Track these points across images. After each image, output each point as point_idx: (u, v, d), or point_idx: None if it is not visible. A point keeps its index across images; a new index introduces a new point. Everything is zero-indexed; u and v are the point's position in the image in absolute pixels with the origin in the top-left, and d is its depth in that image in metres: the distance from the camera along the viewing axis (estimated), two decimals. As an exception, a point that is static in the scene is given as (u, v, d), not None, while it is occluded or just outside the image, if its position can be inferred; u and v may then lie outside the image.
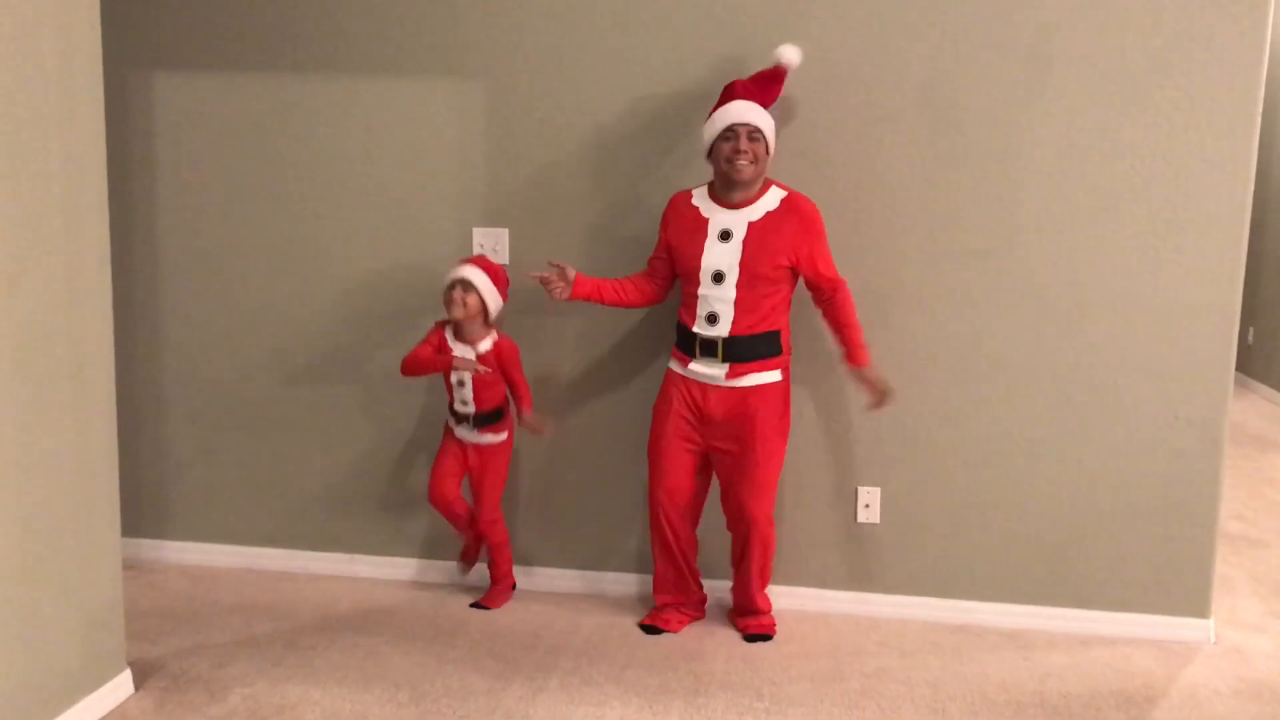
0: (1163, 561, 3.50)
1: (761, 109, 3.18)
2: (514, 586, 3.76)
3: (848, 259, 3.50)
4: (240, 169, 3.81)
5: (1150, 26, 3.28)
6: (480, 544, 3.70)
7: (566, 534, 3.82)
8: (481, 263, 3.43)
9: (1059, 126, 3.37)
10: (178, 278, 3.90)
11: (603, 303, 3.38)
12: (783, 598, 3.69)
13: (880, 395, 3.29)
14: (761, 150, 3.18)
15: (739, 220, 3.20)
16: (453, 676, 3.18)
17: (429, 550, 3.90)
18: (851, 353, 3.30)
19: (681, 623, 3.52)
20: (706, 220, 3.24)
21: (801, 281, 3.32)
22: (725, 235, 3.20)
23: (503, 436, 3.56)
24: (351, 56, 3.69)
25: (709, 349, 3.25)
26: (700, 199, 3.29)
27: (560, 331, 3.70)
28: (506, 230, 3.68)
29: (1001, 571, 3.58)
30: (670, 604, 3.53)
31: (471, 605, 3.65)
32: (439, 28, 3.62)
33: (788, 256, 3.20)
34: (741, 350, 3.23)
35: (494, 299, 3.43)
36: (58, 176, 2.68)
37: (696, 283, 3.25)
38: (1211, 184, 3.32)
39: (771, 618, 3.52)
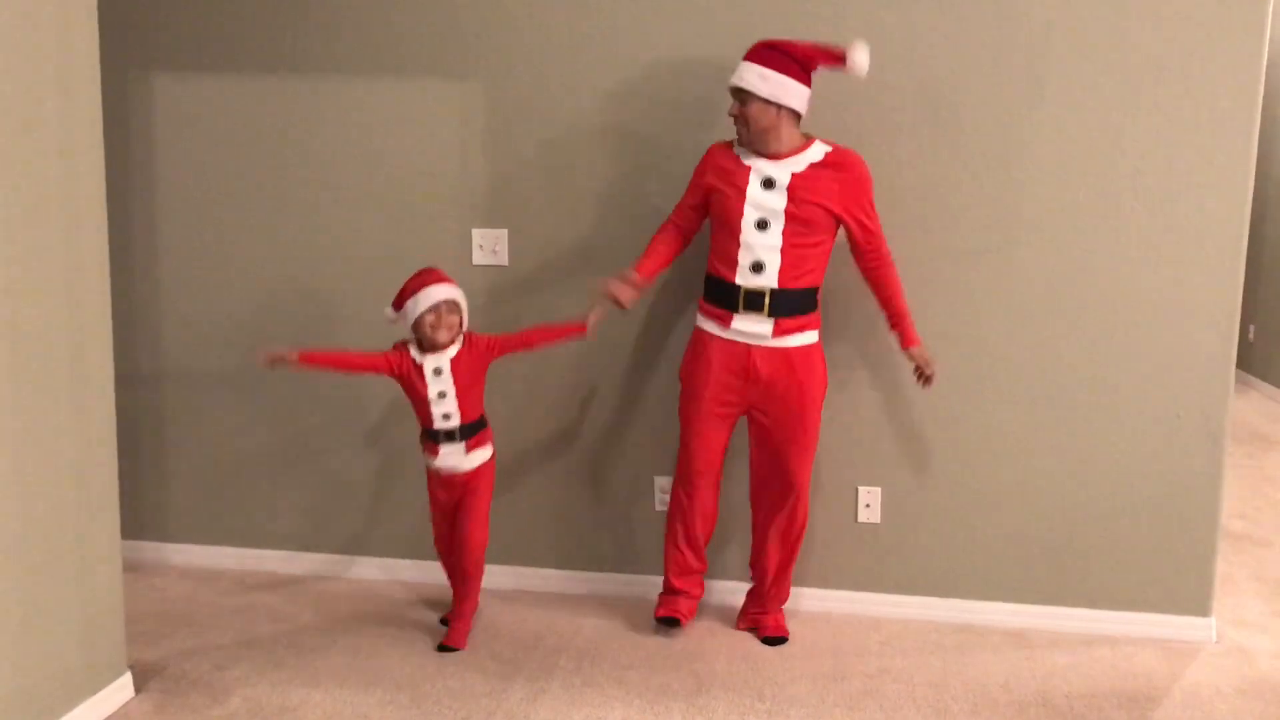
0: (1165, 560, 3.49)
1: (760, 68, 3.08)
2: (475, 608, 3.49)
3: (846, 258, 3.49)
4: (239, 170, 3.81)
5: (1150, 25, 3.28)
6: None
7: (565, 534, 3.81)
8: (444, 277, 3.24)
9: (1059, 125, 3.36)
10: (178, 278, 3.90)
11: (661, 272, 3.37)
12: (784, 598, 3.69)
13: (928, 373, 3.30)
14: (753, 111, 3.10)
15: (782, 170, 3.16)
16: (453, 678, 3.18)
17: (430, 551, 3.89)
18: (904, 332, 3.29)
19: (692, 610, 3.49)
20: (748, 168, 3.18)
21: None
22: (769, 183, 3.15)
23: (490, 452, 3.37)
24: (351, 57, 3.68)
25: (754, 302, 3.17)
26: (740, 149, 3.22)
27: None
28: (506, 231, 3.67)
29: (1003, 571, 3.58)
30: (683, 590, 3.47)
31: (440, 648, 3.35)
32: (438, 28, 3.62)
33: (834, 206, 3.15)
34: (788, 304, 3.17)
35: (466, 313, 3.29)
36: (56, 178, 2.68)
37: (738, 230, 3.16)
38: (1212, 181, 3.32)
39: (783, 618, 3.49)
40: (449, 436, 3.28)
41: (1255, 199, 7.60)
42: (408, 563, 3.91)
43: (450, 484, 3.34)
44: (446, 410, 3.26)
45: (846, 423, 3.58)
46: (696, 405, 3.30)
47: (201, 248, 3.87)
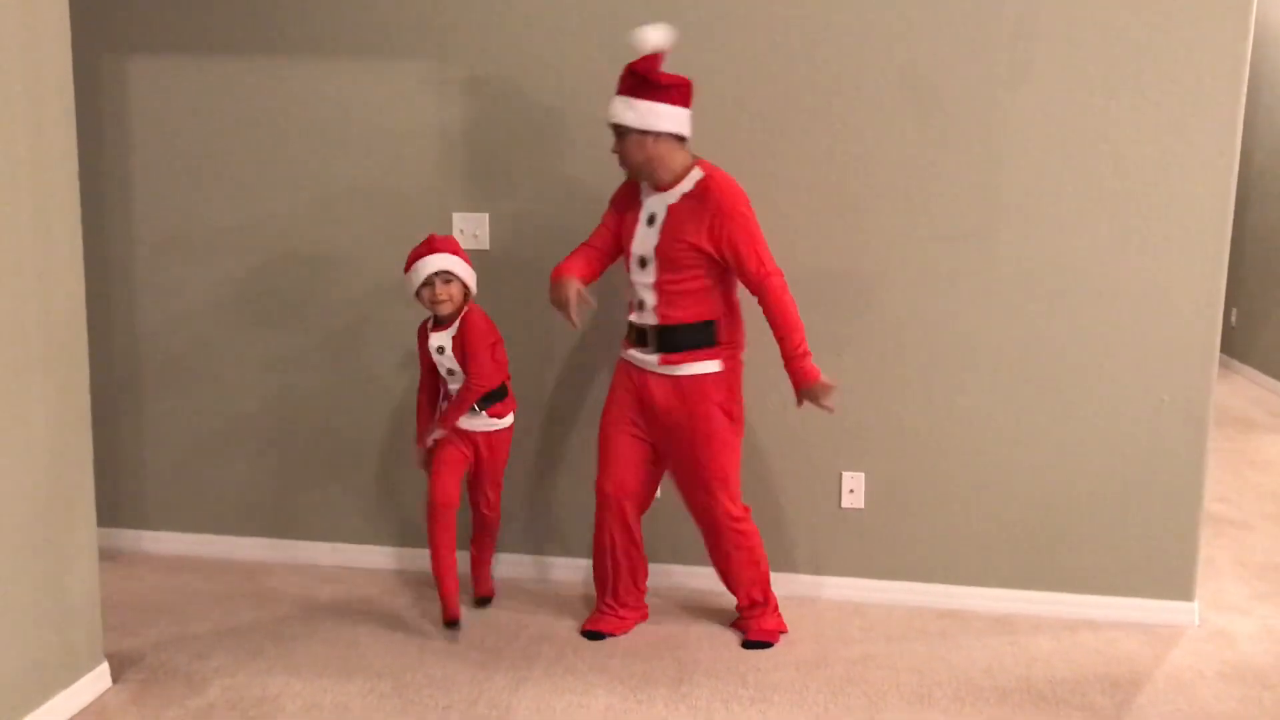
0: (1147, 545, 3.50)
1: (627, 98, 3.00)
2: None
3: (830, 243, 3.48)
4: (216, 153, 3.76)
5: (1134, 8, 3.26)
6: (455, 593, 3.38)
7: (551, 522, 3.79)
8: (446, 245, 3.23)
9: (1042, 109, 3.34)
10: (152, 263, 3.85)
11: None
12: (767, 584, 3.68)
13: (823, 406, 3.06)
14: (629, 145, 3.03)
15: (662, 204, 3.10)
16: (435, 666, 3.16)
17: (411, 539, 3.87)
18: (789, 365, 3.05)
19: (625, 623, 3.39)
20: (641, 204, 3.15)
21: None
22: (651, 219, 3.11)
23: (509, 419, 3.39)
24: (329, 40, 3.64)
25: (641, 338, 3.17)
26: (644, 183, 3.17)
27: (550, 316, 3.66)
28: (487, 215, 3.64)
29: (987, 556, 3.58)
30: (610, 606, 3.39)
31: (478, 602, 3.55)
32: (418, 11, 3.57)
33: (698, 240, 3.02)
34: (672, 340, 3.11)
35: (471, 276, 3.27)
36: (26, 162, 2.63)
37: (628, 267, 3.18)
38: (1195, 165, 3.30)
39: (772, 623, 3.34)
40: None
41: (1238, 183, 7.61)
42: (390, 550, 3.88)
43: (467, 438, 3.35)
44: (457, 386, 3.33)
45: (830, 408, 3.56)
46: (606, 423, 3.28)
47: (177, 233, 3.82)
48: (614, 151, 3.10)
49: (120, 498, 4.01)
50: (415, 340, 3.56)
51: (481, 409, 3.30)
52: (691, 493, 3.23)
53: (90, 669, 2.96)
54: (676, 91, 3.03)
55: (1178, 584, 3.50)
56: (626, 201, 3.21)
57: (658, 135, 3.02)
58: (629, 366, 3.25)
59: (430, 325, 3.33)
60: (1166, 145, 3.31)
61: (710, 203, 3.02)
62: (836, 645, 3.33)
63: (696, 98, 3.46)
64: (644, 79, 2.99)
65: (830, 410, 3.08)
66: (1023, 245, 3.41)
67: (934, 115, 3.39)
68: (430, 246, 3.23)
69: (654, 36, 3.00)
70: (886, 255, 3.47)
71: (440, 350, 3.29)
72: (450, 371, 3.31)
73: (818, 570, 3.67)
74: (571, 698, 2.99)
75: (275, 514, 3.94)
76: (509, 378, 3.41)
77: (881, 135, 3.42)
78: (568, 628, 3.41)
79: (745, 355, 3.43)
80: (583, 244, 3.29)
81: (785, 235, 3.49)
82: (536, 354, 3.70)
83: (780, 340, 3.06)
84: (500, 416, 3.37)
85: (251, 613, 3.50)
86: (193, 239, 3.82)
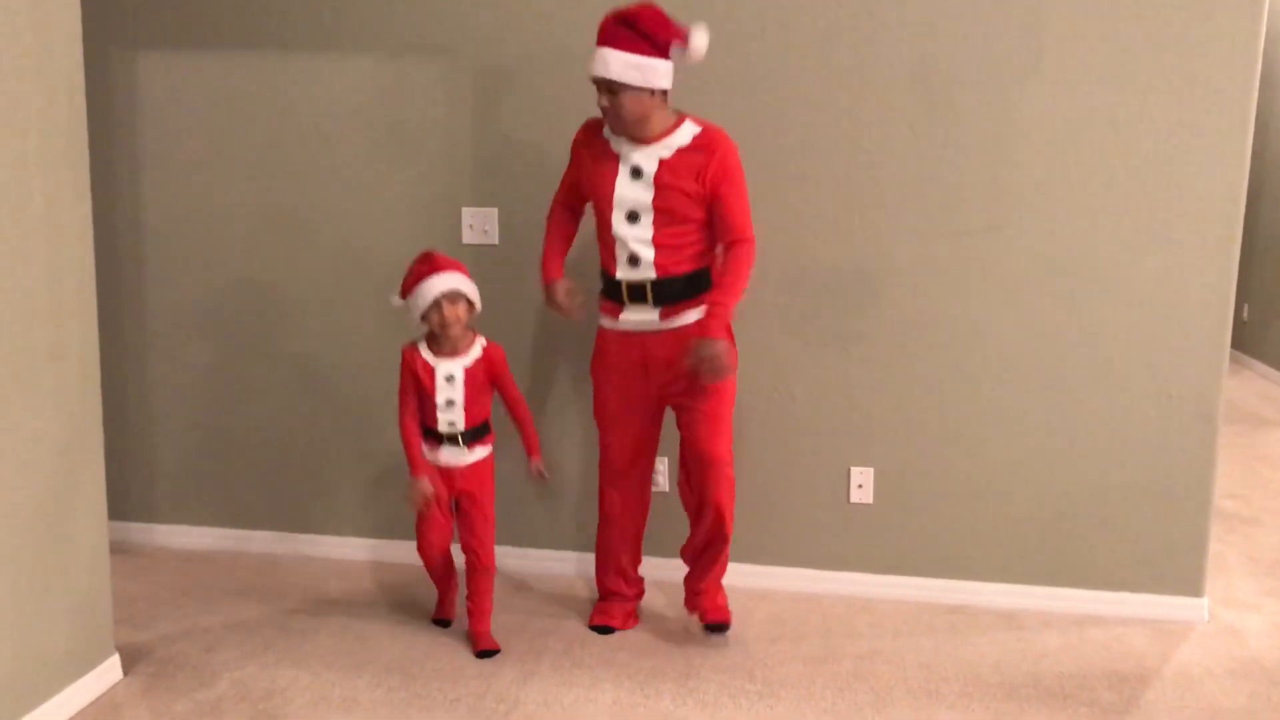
0: (1157, 540, 3.49)
1: (626, 55, 2.90)
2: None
3: (840, 238, 3.47)
4: (226, 149, 3.77)
5: (1145, 3, 3.24)
6: (454, 592, 3.39)
7: (557, 516, 3.80)
8: (449, 263, 3.06)
9: (1053, 104, 3.33)
10: (163, 258, 3.86)
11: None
12: (774, 579, 3.68)
13: (707, 371, 2.98)
14: (627, 102, 2.93)
15: (649, 158, 3.02)
16: (443, 660, 3.17)
17: (420, 532, 3.88)
18: (709, 309, 2.99)
19: (628, 617, 3.39)
20: (617, 155, 3.05)
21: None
22: (636, 172, 3.03)
23: (490, 447, 3.24)
24: (338, 34, 3.64)
25: (637, 294, 3.08)
26: (610, 133, 3.07)
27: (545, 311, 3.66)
28: (496, 210, 3.64)
29: (995, 552, 3.57)
30: (616, 594, 3.39)
31: (480, 654, 3.20)
32: (427, 6, 3.57)
33: (700, 194, 3.00)
34: (671, 291, 3.06)
35: (476, 292, 3.11)
36: (37, 156, 2.64)
37: (609, 223, 3.06)
38: (1207, 160, 3.29)
39: (724, 599, 3.31)
40: (451, 440, 3.16)
41: (1251, 178, 7.58)
42: (398, 544, 3.89)
43: (449, 476, 3.20)
44: (452, 418, 3.13)
45: (838, 403, 3.57)
46: (603, 402, 3.25)
47: (187, 228, 3.83)
48: (602, 106, 2.98)
49: (130, 491, 4.03)
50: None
51: (467, 445, 3.16)
52: (696, 436, 3.14)
53: (101, 661, 2.97)
54: (667, 47, 2.95)
55: (1187, 580, 3.49)
56: (594, 154, 3.10)
57: (654, 91, 2.96)
58: (619, 336, 3.16)
59: (427, 350, 3.12)
60: (1178, 140, 3.29)
61: (713, 156, 2.99)
62: (844, 640, 3.33)
63: (707, 92, 3.46)
64: (644, 33, 2.91)
65: (713, 381, 3.00)
66: (1033, 240, 3.40)
67: (944, 110, 3.38)
68: (433, 265, 3.04)
69: (702, 43, 2.95)
70: (896, 250, 3.46)
71: (450, 379, 3.10)
72: (450, 402, 3.10)
73: (825, 565, 3.66)
74: (579, 691, 2.99)
75: (285, 508, 3.95)
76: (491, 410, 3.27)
77: (892, 130, 3.41)
78: (575, 621, 3.42)
79: (752, 356, 3.44)
80: (552, 222, 3.25)
81: (795, 230, 3.49)
82: (546, 347, 3.70)
83: (716, 286, 3.02)
84: (484, 445, 3.22)
85: (261, 606, 3.52)
86: (203, 235, 3.83)
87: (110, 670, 3.00)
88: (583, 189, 3.16)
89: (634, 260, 3.07)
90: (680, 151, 3.01)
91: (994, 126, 3.37)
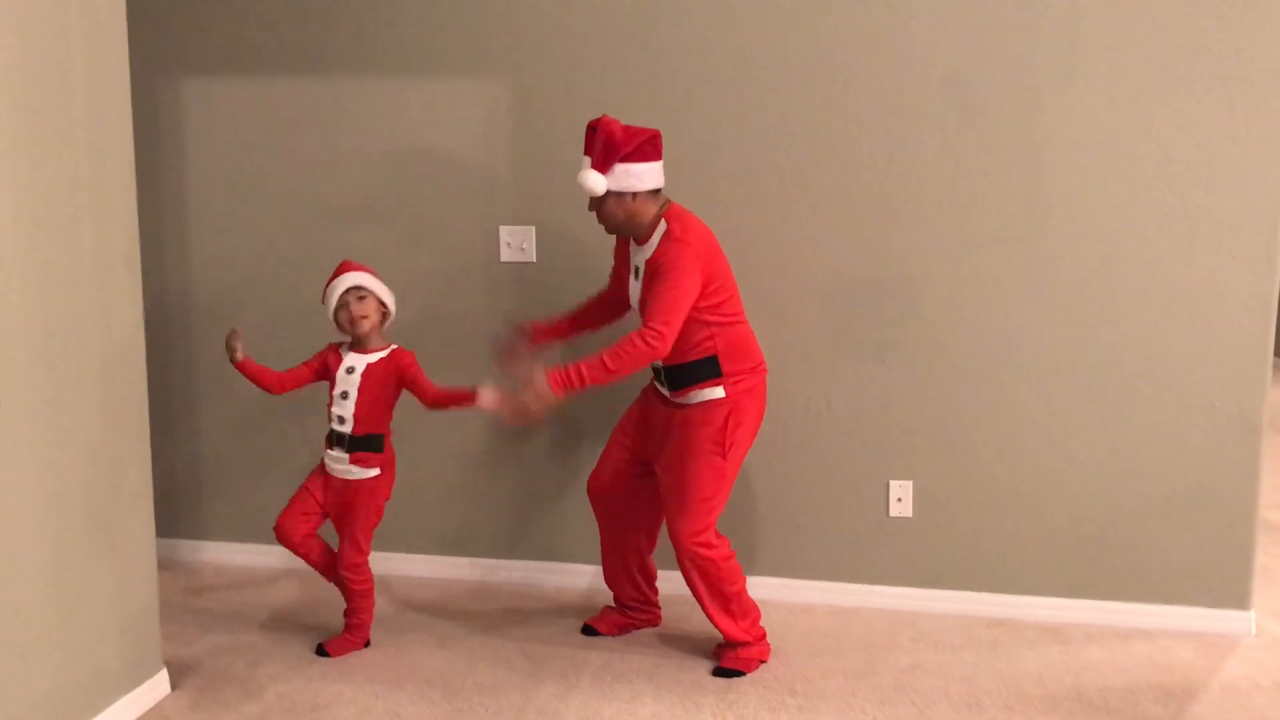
0: (1202, 553, 3.45)
1: (606, 167, 2.98)
2: (367, 643, 3.36)
3: (875, 250, 3.47)
4: (267, 170, 3.84)
5: (1181, 8, 3.23)
6: (343, 589, 3.35)
7: (596, 531, 3.81)
8: (359, 267, 3.22)
9: (1087, 112, 3.32)
10: (209, 277, 3.94)
11: (574, 333, 3.38)
12: (815, 593, 3.67)
13: (510, 413, 3.01)
14: (608, 209, 3.03)
15: (641, 257, 3.12)
16: (484, 674, 3.19)
17: (461, 548, 3.91)
18: (568, 366, 2.92)
19: (615, 626, 3.43)
20: (629, 255, 3.21)
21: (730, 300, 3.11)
22: (636, 271, 3.15)
23: (373, 472, 3.25)
24: (377, 58, 3.70)
25: (658, 374, 3.22)
26: None
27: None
28: (533, 228, 3.68)
29: (1037, 564, 3.54)
30: (619, 600, 3.46)
31: (317, 650, 3.31)
32: (464, 28, 3.63)
33: None
34: (679, 377, 3.12)
35: (389, 295, 3.22)
36: (86, 180, 2.71)
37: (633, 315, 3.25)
38: (1244, 166, 3.27)
39: (747, 653, 3.20)
40: (338, 440, 3.23)
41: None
42: (440, 559, 3.93)
43: (329, 486, 3.28)
44: (342, 413, 3.21)
45: (876, 415, 3.56)
46: (615, 426, 3.39)
47: (232, 245, 3.90)
48: (590, 210, 3.09)
49: (179, 509, 4.09)
50: (457, 358, 3.58)
51: (349, 451, 3.21)
52: (665, 504, 3.16)
53: (150, 676, 3.03)
54: (649, 147, 3.01)
55: (1233, 593, 3.45)
56: (621, 254, 3.29)
57: (635, 195, 3.03)
58: (653, 388, 3.31)
59: (347, 348, 3.26)
60: (1215, 148, 3.27)
61: (664, 251, 2.99)
62: (885, 654, 3.31)
63: (743, 108, 3.49)
64: (609, 144, 2.97)
65: (498, 411, 3.05)
66: (1070, 249, 3.39)
67: (978, 120, 3.38)
68: (341, 268, 3.22)
69: (585, 182, 3.00)
70: (932, 261, 3.46)
71: (350, 370, 3.21)
72: (344, 395, 3.20)
73: (866, 579, 3.65)
74: (620, 705, 3.00)
75: (328, 524, 3.99)
76: (390, 432, 3.30)
77: (926, 141, 3.41)
78: (616, 635, 3.43)
79: (789, 369, 3.44)
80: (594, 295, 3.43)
81: (831, 242, 3.50)
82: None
83: (597, 355, 2.92)
84: (365, 466, 3.24)
85: (305, 621, 3.56)
86: (247, 256, 3.90)
87: (159, 684, 3.05)
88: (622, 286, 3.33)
89: None
90: (654, 252, 3.05)
91: (1029, 135, 3.36)
